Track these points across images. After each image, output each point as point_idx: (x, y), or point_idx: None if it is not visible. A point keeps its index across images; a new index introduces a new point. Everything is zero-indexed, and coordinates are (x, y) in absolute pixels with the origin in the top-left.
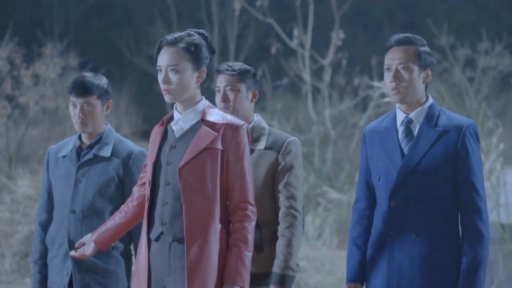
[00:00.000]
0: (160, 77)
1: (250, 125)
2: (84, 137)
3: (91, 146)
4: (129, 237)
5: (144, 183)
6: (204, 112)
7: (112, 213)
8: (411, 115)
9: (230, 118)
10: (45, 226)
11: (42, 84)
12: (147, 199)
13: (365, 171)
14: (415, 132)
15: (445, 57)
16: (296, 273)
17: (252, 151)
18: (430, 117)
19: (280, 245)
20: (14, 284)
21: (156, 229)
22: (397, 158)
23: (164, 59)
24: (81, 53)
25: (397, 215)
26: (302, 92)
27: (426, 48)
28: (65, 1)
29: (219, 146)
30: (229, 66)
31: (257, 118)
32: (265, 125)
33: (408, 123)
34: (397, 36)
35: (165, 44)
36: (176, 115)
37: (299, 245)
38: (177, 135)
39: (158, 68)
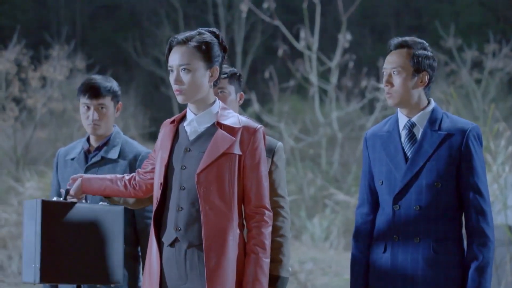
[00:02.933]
0: (172, 78)
1: None
2: (92, 140)
3: (98, 148)
4: (136, 239)
5: (147, 172)
6: (219, 115)
7: None
8: (414, 119)
9: (245, 120)
10: None
11: (49, 86)
12: (157, 201)
13: (367, 175)
14: (418, 136)
15: (452, 59)
16: (290, 274)
17: None
18: (433, 121)
19: (276, 249)
20: (21, 286)
21: (170, 235)
22: (400, 162)
23: (175, 58)
24: (88, 55)
25: (400, 219)
26: (309, 94)
27: (424, 51)
28: (72, 3)
29: (236, 151)
30: None
31: None
32: None
33: (411, 127)
34: (395, 40)
35: (176, 44)
36: (190, 116)
37: (290, 245)
38: (191, 138)
39: (169, 68)
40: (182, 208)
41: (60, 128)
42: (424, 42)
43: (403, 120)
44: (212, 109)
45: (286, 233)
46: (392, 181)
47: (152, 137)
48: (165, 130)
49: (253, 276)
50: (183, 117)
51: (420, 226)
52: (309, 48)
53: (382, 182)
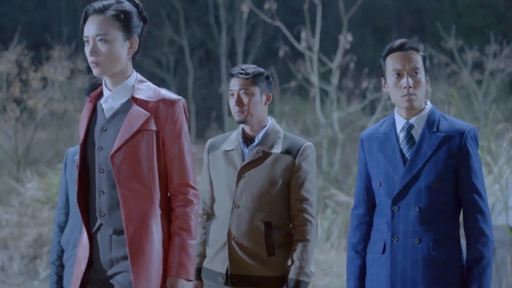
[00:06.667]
0: (88, 49)
1: (265, 129)
2: None
3: None
4: None
5: None
6: (135, 88)
7: None
8: (412, 121)
9: (164, 93)
10: (63, 228)
11: (50, 87)
12: (77, 184)
13: (363, 176)
14: (417, 137)
15: (453, 60)
16: (310, 279)
17: (268, 154)
18: (431, 123)
19: (296, 251)
20: (23, 287)
21: (94, 221)
22: (398, 164)
23: (91, 28)
24: None
25: (399, 220)
26: (310, 95)
27: (424, 54)
28: (73, 4)
29: (153, 127)
30: (243, 70)
31: (271, 121)
32: (280, 128)
33: (409, 128)
34: (401, 41)
35: (92, 13)
36: (106, 92)
37: (313, 250)
38: (107, 116)
39: (85, 39)
40: (103, 192)
41: (61, 128)
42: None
43: (400, 122)
44: (127, 82)
45: (308, 235)
46: (390, 182)
47: None
48: (83, 110)
49: (177, 260)
50: (100, 94)
51: (420, 227)
52: (310, 49)
53: (380, 183)
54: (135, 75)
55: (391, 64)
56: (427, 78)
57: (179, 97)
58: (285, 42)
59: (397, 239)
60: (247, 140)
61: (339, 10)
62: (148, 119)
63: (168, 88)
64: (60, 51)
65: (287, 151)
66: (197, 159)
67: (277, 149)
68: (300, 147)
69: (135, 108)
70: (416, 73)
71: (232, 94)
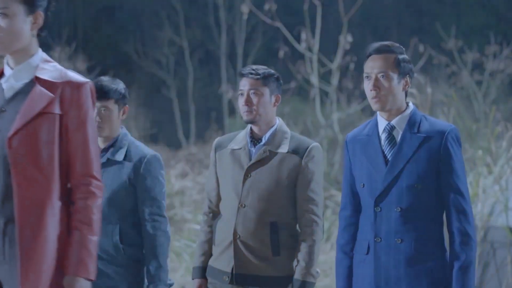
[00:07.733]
0: None
1: (273, 129)
2: (99, 141)
3: (105, 150)
4: (141, 242)
5: None
6: (39, 68)
7: (121, 218)
8: (393, 122)
9: (71, 75)
10: None
11: None
12: None
13: (349, 178)
14: (398, 138)
15: (453, 61)
16: (316, 279)
17: (274, 154)
18: (412, 124)
19: (301, 252)
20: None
21: None
22: (380, 165)
23: None
24: (89, 57)
25: (382, 221)
26: (310, 96)
27: (405, 56)
28: (73, 5)
29: (56, 110)
30: (253, 70)
31: (279, 121)
32: (287, 129)
33: (391, 130)
34: (376, 45)
35: None
36: (7, 71)
37: (319, 251)
38: (7, 96)
39: None
40: None
41: None
42: (402, 47)
43: (382, 123)
44: (30, 61)
45: (314, 236)
46: (373, 183)
47: (153, 138)
48: None
49: (76, 257)
50: (1, 74)
51: (402, 227)
52: (310, 49)
53: (364, 185)
54: (40, 54)
55: (364, 68)
56: (407, 80)
57: (87, 80)
58: (285, 42)
59: (380, 239)
60: (255, 139)
61: (339, 10)
62: (52, 101)
63: (168, 89)
64: (60, 52)
65: (294, 151)
66: (196, 159)
67: (284, 149)
68: (307, 148)
69: (38, 88)
70: (383, 76)
71: (242, 94)
